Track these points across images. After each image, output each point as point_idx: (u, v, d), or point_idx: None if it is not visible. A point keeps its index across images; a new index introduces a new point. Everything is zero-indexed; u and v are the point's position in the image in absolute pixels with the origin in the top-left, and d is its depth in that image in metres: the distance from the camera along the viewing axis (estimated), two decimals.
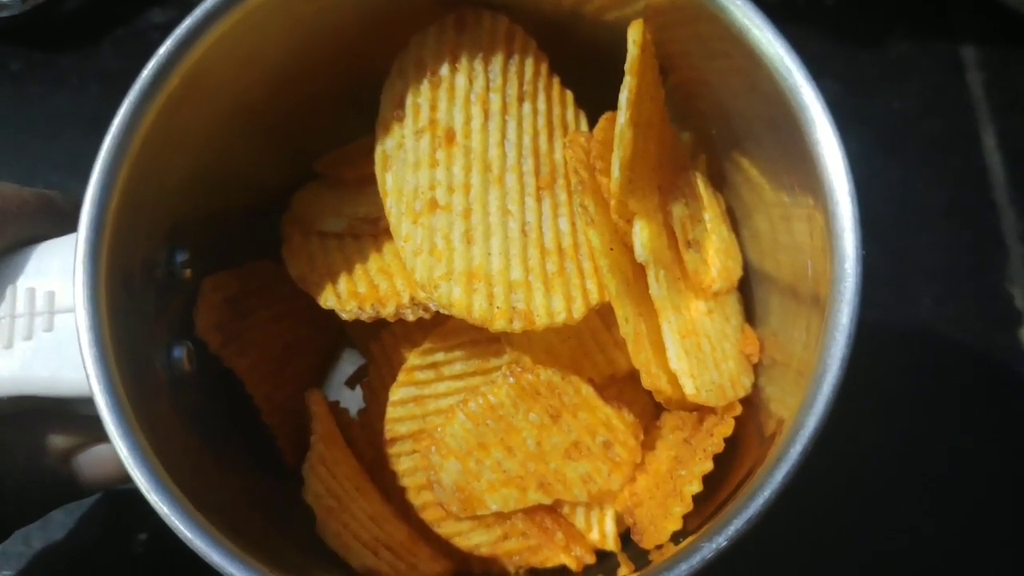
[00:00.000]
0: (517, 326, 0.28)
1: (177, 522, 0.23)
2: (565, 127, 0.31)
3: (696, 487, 0.27)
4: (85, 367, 0.24)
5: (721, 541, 0.22)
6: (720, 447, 0.28)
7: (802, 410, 0.23)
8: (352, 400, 0.36)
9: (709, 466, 0.27)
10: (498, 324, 0.28)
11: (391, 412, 0.32)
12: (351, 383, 0.37)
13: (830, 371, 0.23)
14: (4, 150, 0.46)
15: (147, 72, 0.26)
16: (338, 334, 0.37)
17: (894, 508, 0.40)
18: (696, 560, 0.23)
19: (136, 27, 0.48)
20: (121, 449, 0.23)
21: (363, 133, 0.35)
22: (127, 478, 0.30)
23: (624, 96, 0.28)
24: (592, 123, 0.32)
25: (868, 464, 0.41)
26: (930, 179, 0.45)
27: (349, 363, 0.37)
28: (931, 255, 0.44)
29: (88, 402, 0.29)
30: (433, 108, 0.30)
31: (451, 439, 0.31)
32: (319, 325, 0.35)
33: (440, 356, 0.31)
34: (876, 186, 0.45)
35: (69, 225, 0.29)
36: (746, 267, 0.32)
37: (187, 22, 0.26)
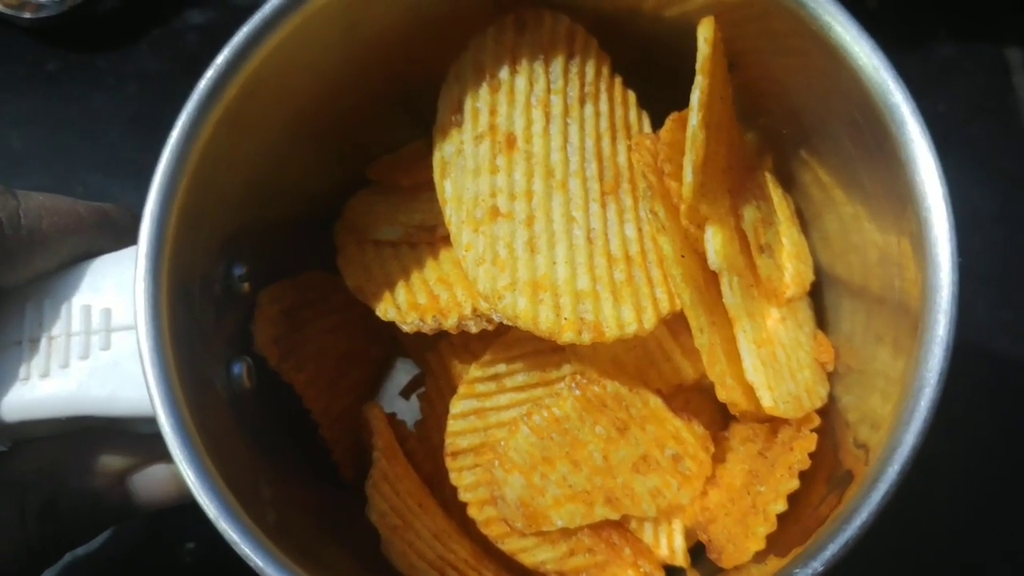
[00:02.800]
0: (586, 338, 0.27)
1: (244, 546, 0.22)
2: (628, 129, 0.30)
3: (781, 506, 0.26)
4: (148, 387, 0.23)
5: (817, 567, 0.21)
6: (806, 463, 0.26)
7: (898, 427, 0.22)
8: (407, 411, 0.35)
9: (795, 484, 0.26)
10: (566, 336, 0.27)
11: (452, 425, 0.31)
12: (405, 394, 0.36)
13: (928, 385, 0.22)
14: (43, 151, 0.45)
15: (205, 82, 0.25)
16: (392, 343, 0.36)
17: (958, 515, 0.39)
18: None
19: (173, 27, 0.47)
20: (186, 472, 0.23)
21: (415, 137, 0.34)
22: (182, 499, 0.30)
23: (696, 97, 0.27)
24: (655, 124, 0.31)
25: (925, 469, 0.40)
26: (980, 183, 0.44)
27: (403, 372, 0.37)
28: (984, 260, 0.42)
29: (144, 421, 0.28)
30: (493, 112, 0.29)
31: (515, 453, 0.30)
32: (374, 335, 0.34)
33: (501, 368, 0.31)
34: None
35: (125, 239, 0.28)
36: (816, 271, 0.31)
37: (245, 29, 0.25)
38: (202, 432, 0.24)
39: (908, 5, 0.46)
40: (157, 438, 0.28)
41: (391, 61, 0.31)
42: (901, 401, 0.22)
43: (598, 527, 0.30)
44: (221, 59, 0.25)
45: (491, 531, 0.31)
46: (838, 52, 0.24)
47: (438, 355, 0.32)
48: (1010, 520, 0.40)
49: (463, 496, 0.31)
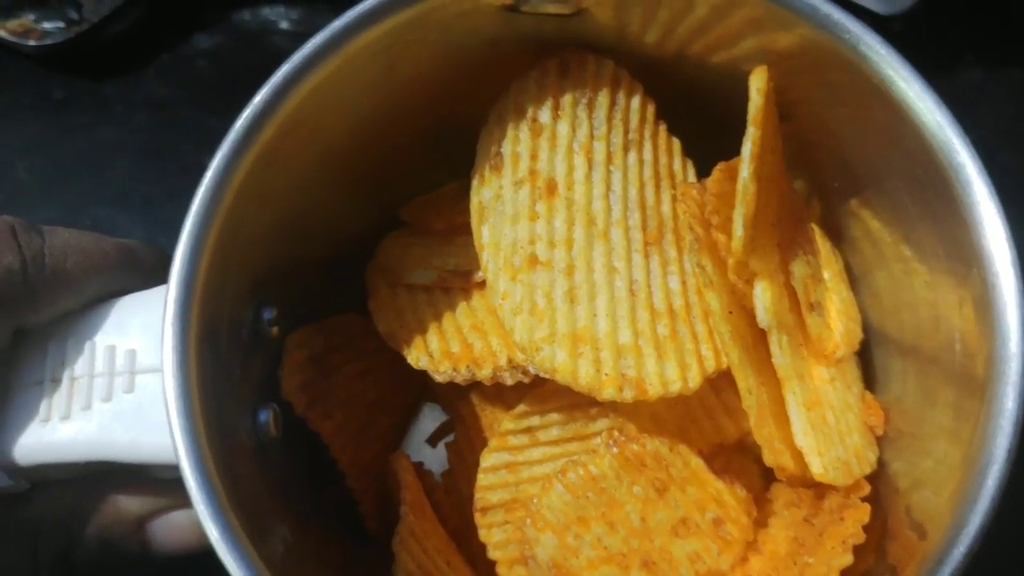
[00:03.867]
0: (628, 396, 0.26)
1: None
2: (672, 178, 0.29)
3: None
4: (172, 435, 0.22)
5: None
6: (860, 538, 0.25)
7: (964, 505, 0.21)
8: (433, 459, 0.34)
9: (848, 560, 0.25)
10: (607, 393, 0.26)
11: (482, 479, 0.29)
12: (433, 441, 0.35)
13: (996, 462, 0.21)
14: (50, 183, 0.44)
15: (242, 121, 0.24)
16: (419, 390, 0.35)
17: None
18: None
19: (181, 53, 0.47)
20: (208, 525, 0.22)
21: (450, 180, 0.33)
22: (201, 547, 0.28)
23: (747, 149, 0.26)
24: (700, 173, 0.30)
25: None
26: (1009, 213, 0.43)
27: (430, 419, 0.36)
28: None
29: (167, 467, 0.27)
30: (533, 157, 0.28)
31: (548, 511, 0.28)
32: (403, 380, 0.33)
33: (535, 420, 0.29)
34: None
35: (151, 278, 0.27)
36: (865, 330, 0.30)
37: (284, 68, 0.24)
38: (225, 482, 0.23)
39: (934, 29, 0.45)
40: (178, 483, 0.28)
41: (428, 103, 0.30)
42: (967, 478, 0.21)
43: None
44: (259, 98, 0.24)
45: None
46: (899, 107, 0.23)
47: (469, 404, 0.31)
48: None
49: (492, 554, 0.29)
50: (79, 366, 0.26)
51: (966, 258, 0.23)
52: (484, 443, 0.30)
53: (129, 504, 0.28)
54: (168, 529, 0.28)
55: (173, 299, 0.23)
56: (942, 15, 0.45)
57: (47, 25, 0.44)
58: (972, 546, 0.20)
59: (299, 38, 0.49)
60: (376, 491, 0.31)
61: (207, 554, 0.26)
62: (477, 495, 0.30)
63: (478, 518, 0.30)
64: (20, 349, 0.26)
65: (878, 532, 0.27)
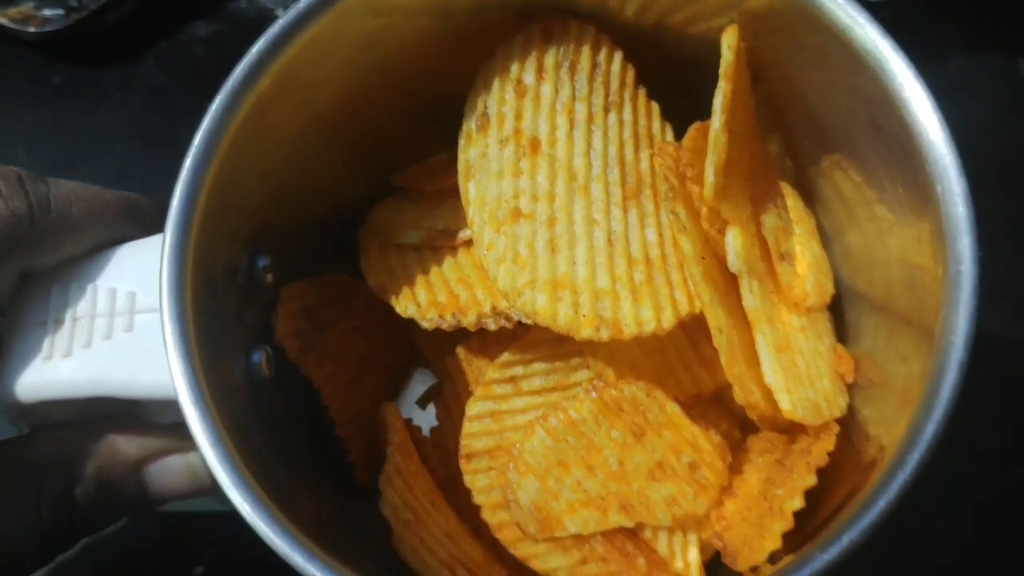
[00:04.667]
0: (604, 335, 0.27)
1: (259, 521, 0.22)
2: (651, 138, 0.31)
3: (798, 502, 0.25)
4: (169, 363, 0.24)
5: (832, 555, 0.21)
6: (824, 461, 0.26)
7: (918, 415, 0.22)
8: (423, 420, 0.35)
9: (812, 480, 0.26)
10: (584, 332, 0.27)
11: (467, 427, 0.31)
12: (422, 403, 0.36)
13: (949, 372, 0.22)
14: (49, 166, 0.45)
15: (239, 69, 0.26)
16: (410, 352, 0.36)
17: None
18: None
19: (179, 40, 0.48)
20: (204, 444, 0.23)
21: (441, 149, 0.34)
22: (195, 491, 0.30)
23: (719, 101, 0.27)
24: (678, 136, 0.31)
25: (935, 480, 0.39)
26: (995, 198, 0.43)
27: (420, 383, 0.37)
28: (998, 276, 0.42)
29: (163, 409, 0.29)
30: (518, 117, 0.30)
31: (530, 456, 0.29)
32: (392, 341, 0.34)
33: (519, 370, 0.31)
34: None
35: (151, 227, 0.29)
36: (838, 285, 0.31)
37: (281, 21, 0.26)
38: (221, 414, 0.24)
39: (923, 17, 0.47)
40: (174, 429, 0.29)
41: (418, 69, 0.31)
42: (915, 407, 0.22)
43: (612, 535, 0.30)
44: (256, 48, 0.26)
45: (504, 535, 0.30)
46: (858, 53, 0.25)
47: (456, 360, 0.33)
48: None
49: (476, 499, 0.30)
50: (81, 307, 0.27)
51: (923, 194, 0.24)
52: (470, 397, 0.31)
53: (127, 447, 0.29)
54: (163, 472, 0.29)
55: (170, 240, 0.25)
56: (930, 4, 0.46)
57: (47, 12, 0.46)
58: (925, 453, 0.21)
59: None
60: (365, 443, 0.32)
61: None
62: (463, 442, 0.31)
63: (463, 464, 0.31)
64: (25, 291, 0.28)
65: (850, 474, 0.28)
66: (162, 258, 0.24)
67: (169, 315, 0.24)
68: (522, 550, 0.30)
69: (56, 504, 0.28)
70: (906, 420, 0.22)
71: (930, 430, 0.21)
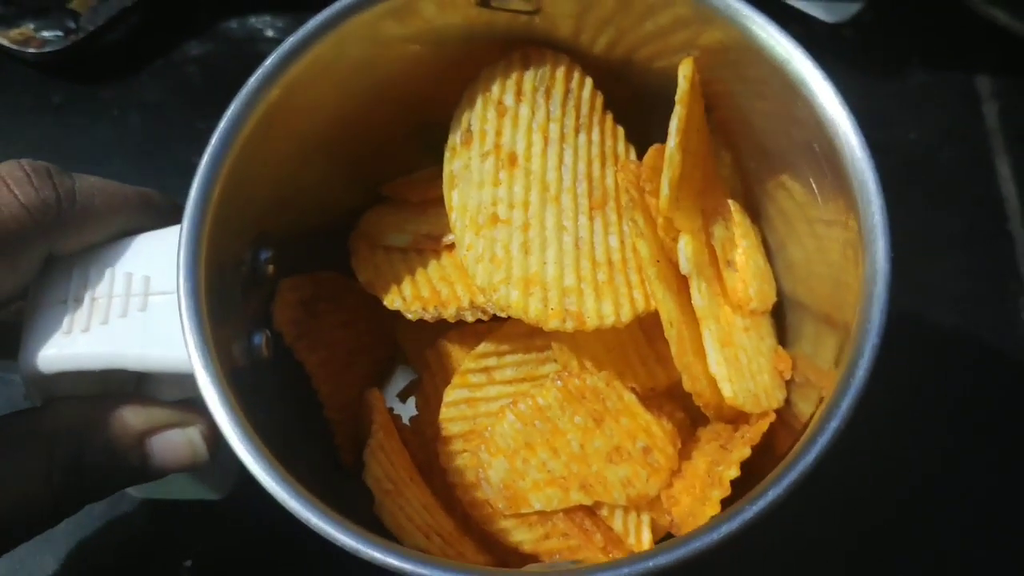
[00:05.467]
0: (569, 326, 0.30)
1: (271, 480, 0.25)
2: (616, 157, 0.34)
3: (734, 472, 0.29)
4: (184, 333, 0.26)
5: (759, 507, 0.24)
6: (757, 438, 0.29)
7: (843, 379, 0.25)
8: (404, 413, 0.38)
9: (747, 452, 0.29)
10: (552, 324, 0.30)
11: (444, 412, 0.34)
12: (403, 396, 0.39)
13: (863, 358, 0.25)
14: None
15: (252, 80, 0.29)
16: (393, 348, 0.39)
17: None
18: (719, 533, 0.24)
19: (173, 59, 0.51)
20: (214, 403, 0.26)
21: (428, 164, 0.38)
22: (194, 465, 0.32)
23: (674, 123, 0.31)
24: (639, 156, 0.35)
25: (887, 490, 0.42)
26: (947, 210, 0.47)
27: (402, 379, 0.40)
28: (949, 285, 0.45)
29: (169, 385, 0.32)
30: (498, 134, 0.33)
31: (500, 438, 0.33)
32: (377, 336, 0.38)
33: (492, 361, 0.34)
34: (895, 217, 0.47)
35: (165, 221, 0.32)
36: (780, 294, 0.35)
37: (290, 39, 0.29)
38: (227, 381, 0.27)
39: (884, 33, 0.49)
40: (176, 405, 0.32)
41: (409, 94, 0.35)
42: (842, 372, 0.25)
43: (572, 512, 0.33)
44: (268, 61, 0.29)
45: (475, 512, 0.33)
46: (794, 83, 0.28)
47: (435, 353, 0.36)
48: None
49: (451, 478, 0.33)
50: (99, 288, 0.30)
51: (849, 203, 0.28)
52: (447, 386, 0.35)
53: (133, 420, 0.31)
54: (165, 444, 0.32)
55: (186, 229, 0.28)
56: (890, 20, 0.49)
57: (46, 34, 0.48)
58: (841, 422, 0.25)
59: None
60: (350, 427, 0.35)
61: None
62: (440, 426, 0.34)
63: (440, 446, 0.34)
64: (49, 273, 0.30)
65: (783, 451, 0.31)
66: (179, 243, 0.27)
67: (184, 292, 0.27)
68: (492, 525, 0.33)
69: (67, 470, 0.30)
70: (828, 395, 0.26)
71: (846, 403, 0.25)
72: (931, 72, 0.50)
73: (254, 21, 0.52)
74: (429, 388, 0.36)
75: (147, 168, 0.49)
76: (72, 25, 0.48)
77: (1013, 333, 0.45)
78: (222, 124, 0.29)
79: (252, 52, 0.52)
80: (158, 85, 0.50)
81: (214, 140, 0.29)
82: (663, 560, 0.24)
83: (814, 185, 0.31)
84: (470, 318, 0.32)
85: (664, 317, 0.30)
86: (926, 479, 0.42)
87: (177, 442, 0.32)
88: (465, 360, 0.34)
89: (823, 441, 0.25)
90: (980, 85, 0.50)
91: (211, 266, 0.28)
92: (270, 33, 0.52)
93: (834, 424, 0.25)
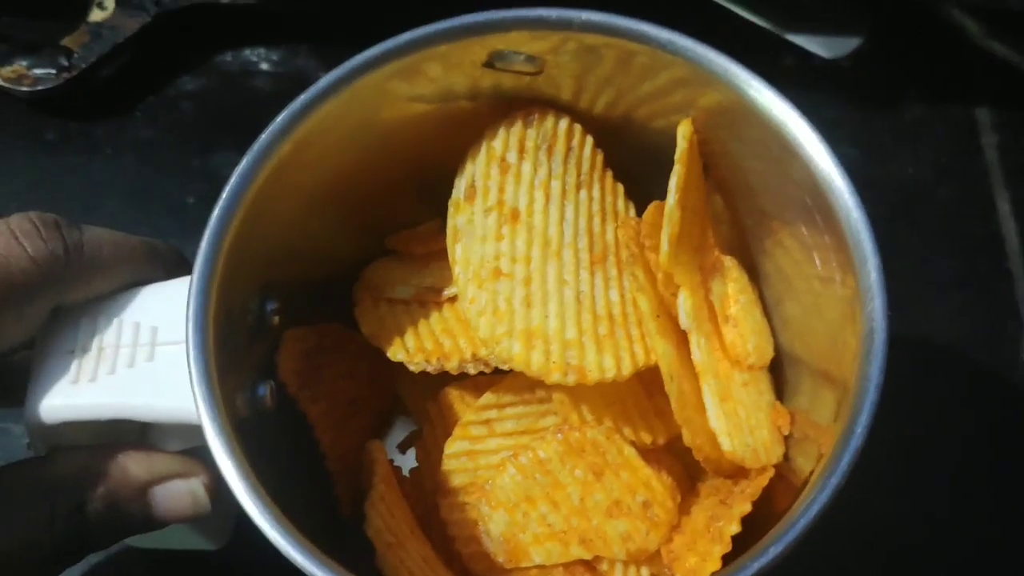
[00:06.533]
0: (571, 379, 0.31)
1: (275, 532, 0.25)
2: (616, 214, 0.35)
3: (735, 527, 0.29)
4: (192, 383, 0.27)
5: (755, 566, 0.24)
6: (757, 493, 0.30)
7: (842, 437, 0.25)
8: (404, 464, 0.38)
9: (747, 507, 0.29)
10: (554, 377, 0.31)
11: (445, 464, 0.34)
12: (403, 447, 0.39)
13: (862, 416, 0.26)
14: None
15: (265, 135, 0.29)
16: (394, 399, 0.39)
17: None
18: None
19: (166, 95, 0.50)
20: (222, 457, 0.26)
21: (428, 218, 0.39)
22: (196, 515, 0.32)
23: (674, 181, 0.31)
24: (639, 213, 0.36)
25: (891, 535, 0.41)
26: (945, 247, 0.46)
27: (402, 430, 0.40)
28: (945, 326, 0.44)
29: (173, 436, 0.32)
30: (501, 190, 0.34)
31: (500, 491, 0.33)
32: (378, 387, 0.38)
33: (493, 414, 0.34)
34: (891, 254, 0.45)
35: (171, 272, 0.32)
36: (778, 350, 0.35)
37: (301, 97, 0.30)
38: (234, 432, 0.27)
39: (882, 66, 0.49)
40: (179, 456, 0.32)
41: (413, 147, 0.36)
42: (846, 413, 0.26)
43: (571, 567, 0.33)
44: (280, 118, 0.30)
45: (475, 566, 0.33)
46: (791, 144, 0.29)
47: (436, 406, 0.36)
48: None
49: (452, 531, 0.33)
50: (107, 338, 0.30)
51: (844, 263, 0.28)
52: (448, 438, 0.35)
53: (136, 470, 0.31)
54: (167, 496, 0.32)
55: (196, 280, 0.28)
56: (888, 53, 0.48)
57: (39, 71, 0.48)
58: (842, 478, 0.25)
59: (279, 79, 0.54)
60: (350, 477, 0.35)
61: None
62: (441, 478, 0.34)
63: (440, 499, 0.34)
64: (57, 323, 0.31)
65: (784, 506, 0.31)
66: (189, 296, 0.28)
67: (193, 344, 0.27)
68: None
69: (68, 520, 0.30)
70: (828, 453, 0.26)
71: (845, 460, 0.25)
72: (929, 105, 0.49)
73: (248, 54, 0.52)
74: (430, 440, 0.36)
75: (141, 207, 0.49)
76: (65, 63, 0.49)
77: (1013, 375, 0.44)
78: (233, 179, 0.29)
79: (247, 86, 0.51)
80: (152, 122, 0.50)
81: (225, 194, 0.29)
82: None
83: (811, 243, 0.32)
84: (472, 371, 0.33)
85: (664, 371, 0.30)
86: (926, 528, 0.42)
87: (179, 493, 0.32)
88: (466, 412, 0.34)
89: (823, 498, 0.25)
90: (980, 117, 0.49)
91: (219, 317, 0.29)
92: (265, 66, 0.52)
93: (834, 480, 0.25)
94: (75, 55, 0.49)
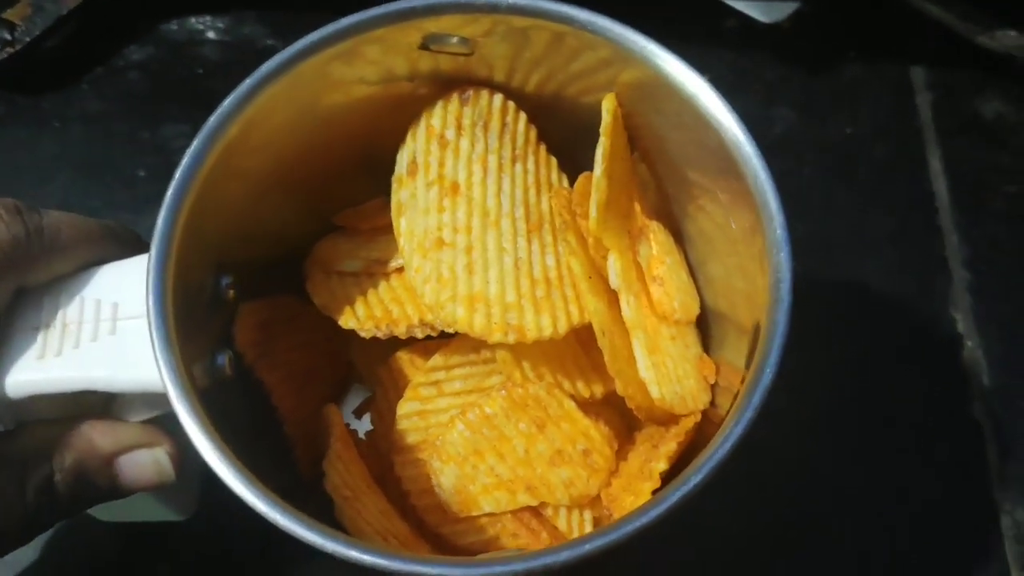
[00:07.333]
0: (511, 338, 0.33)
1: (242, 486, 0.27)
2: (550, 185, 0.37)
3: (663, 465, 0.32)
4: (155, 354, 0.28)
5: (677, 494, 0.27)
6: (682, 435, 0.32)
7: (753, 375, 0.28)
8: (359, 428, 0.40)
9: (673, 447, 0.32)
10: (495, 337, 0.33)
11: (399, 423, 0.36)
12: (358, 413, 0.41)
13: (771, 357, 0.28)
14: None
15: (213, 118, 0.31)
16: (348, 368, 0.41)
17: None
18: (647, 516, 0.27)
19: (113, 66, 0.50)
20: (187, 418, 0.28)
21: (375, 195, 0.41)
22: (160, 484, 0.34)
23: (599, 152, 0.34)
24: (570, 184, 0.38)
25: (804, 490, 0.44)
26: (879, 205, 0.48)
27: (356, 397, 0.42)
28: (877, 280, 0.46)
29: (136, 406, 0.33)
30: (441, 165, 0.36)
31: (450, 446, 0.35)
32: (332, 356, 0.40)
33: (441, 375, 0.36)
34: (829, 213, 0.46)
35: (128, 251, 0.34)
36: (704, 306, 0.38)
37: (247, 81, 0.32)
38: (198, 399, 0.29)
39: (820, 27, 0.49)
40: (143, 427, 0.33)
41: (355, 127, 0.37)
42: (759, 351, 0.29)
43: (519, 513, 0.35)
44: (227, 101, 0.31)
45: (429, 517, 0.36)
46: (703, 115, 0.32)
47: (389, 369, 0.38)
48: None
49: (406, 485, 0.36)
50: (70, 314, 0.32)
51: (755, 221, 0.31)
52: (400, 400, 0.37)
53: (102, 441, 0.33)
54: (132, 465, 0.33)
55: (154, 256, 0.30)
56: (826, 14, 0.48)
57: None
58: (753, 412, 0.28)
59: (226, 47, 0.54)
60: (309, 442, 0.37)
61: None
62: (394, 438, 0.36)
63: (395, 457, 0.36)
64: (20, 304, 0.32)
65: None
66: (148, 269, 0.29)
67: (154, 313, 0.29)
68: (445, 528, 0.35)
69: (39, 491, 0.32)
70: (743, 391, 0.29)
71: (757, 396, 0.28)
72: (866, 65, 0.50)
73: (194, 22, 0.52)
74: (383, 403, 0.38)
75: (92, 181, 0.49)
76: (8, 36, 0.48)
77: (940, 328, 0.46)
78: (184, 160, 0.31)
79: (194, 55, 0.51)
80: (100, 94, 0.50)
81: (177, 175, 0.31)
82: (598, 543, 0.26)
83: (727, 206, 0.35)
84: (420, 334, 0.35)
85: (597, 327, 0.33)
86: (836, 472, 0.44)
87: (144, 462, 0.33)
88: (416, 375, 0.36)
89: (738, 431, 0.28)
90: (914, 77, 0.50)
91: (176, 291, 0.31)
92: (211, 35, 0.52)
93: (748, 414, 0.28)
94: (18, 29, 0.48)
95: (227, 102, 0.32)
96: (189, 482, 0.41)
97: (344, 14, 0.32)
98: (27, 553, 0.42)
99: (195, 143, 0.31)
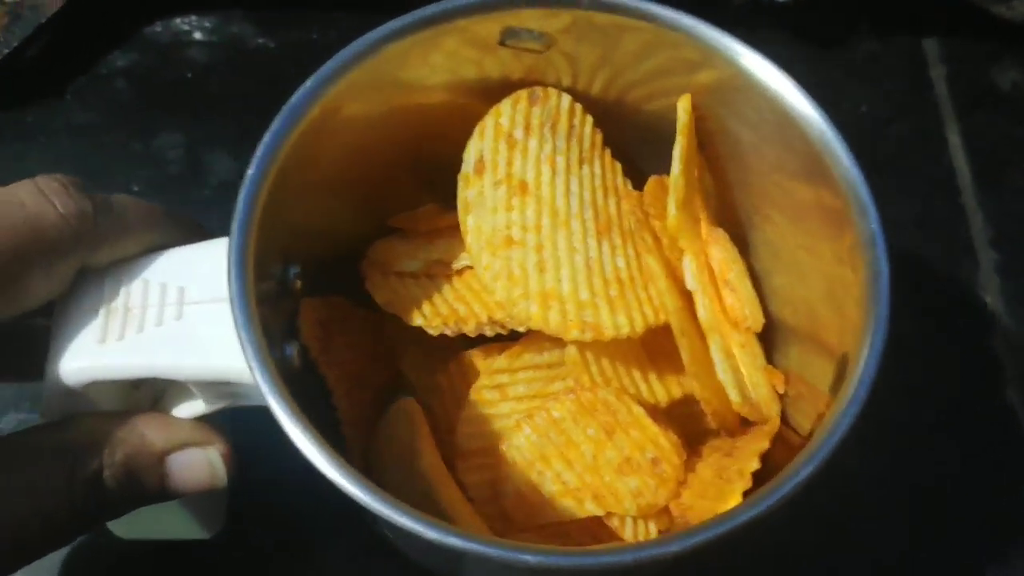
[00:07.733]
0: (588, 336, 0.32)
1: (330, 465, 0.26)
2: (616, 189, 0.37)
3: (755, 464, 0.31)
4: (238, 331, 0.27)
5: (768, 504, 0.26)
6: (765, 446, 0.31)
7: (862, 370, 0.27)
8: None
9: (766, 444, 0.31)
10: (572, 334, 0.32)
11: (461, 429, 0.35)
12: None
13: (868, 364, 0.28)
14: None
15: (295, 97, 0.30)
16: (394, 375, 0.40)
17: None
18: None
19: (98, 74, 0.48)
20: (273, 398, 0.26)
21: (422, 201, 0.40)
22: (212, 486, 0.32)
23: (677, 151, 0.34)
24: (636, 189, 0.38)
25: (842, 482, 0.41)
26: (900, 185, 0.46)
27: None
28: (903, 265, 0.45)
29: (187, 403, 0.32)
30: (509, 164, 0.35)
31: (516, 451, 0.34)
32: (379, 363, 0.39)
33: (505, 378, 0.35)
34: None
35: (190, 238, 0.33)
36: (767, 318, 0.37)
37: (330, 63, 0.31)
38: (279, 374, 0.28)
39: (830, 5, 0.48)
40: (197, 423, 0.32)
41: (410, 135, 0.37)
42: (849, 383, 0.28)
43: (584, 523, 0.34)
44: (309, 82, 0.31)
45: (493, 526, 0.34)
46: (788, 114, 0.32)
47: (448, 375, 0.37)
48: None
49: (470, 492, 0.34)
50: (134, 298, 0.30)
51: (844, 230, 0.31)
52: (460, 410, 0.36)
53: (154, 437, 0.31)
54: (185, 465, 0.31)
55: (235, 240, 0.29)
56: None
57: None
58: (845, 430, 0.27)
59: (214, 48, 0.52)
60: (361, 446, 0.36)
61: None
62: (457, 443, 0.35)
63: (458, 463, 0.35)
64: (82, 284, 0.31)
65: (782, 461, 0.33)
66: (229, 253, 0.28)
67: (236, 295, 0.28)
68: (509, 537, 0.34)
69: (87, 485, 0.30)
70: (832, 408, 0.28)
71: (863, 388, 0.27)
72: (879, 40, 0.48)
73: (179, 22, 0.49)
74: (439, 410, 0.37)
75: None
76: None
77: (971, 311, 0.44)
78: (265, 138, 0.30)
79: (181, 57, 0.49)
80: (85, 104, 0.47)
81: (256, 156, 0.30)
82: (711, 533, 0.25)
83: (800, 211, 0.34)
84: (489, 332, 0.34)
85: (676, 328, 0.32)
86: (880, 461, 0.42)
87: (197, 462, 0.32)
88: (478, 379, 0.35)
89: (844, 426, 0.27)
90: (928, 50, 0.49)
91: (253, 273, 0.29)
92: (198, 35, 0.49)
93: (853, 408, 0.27)
94: None
95: (309, 83, 0.31)
96: (219, 497, 0.39)
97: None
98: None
99: (275, 123, 0.30)
